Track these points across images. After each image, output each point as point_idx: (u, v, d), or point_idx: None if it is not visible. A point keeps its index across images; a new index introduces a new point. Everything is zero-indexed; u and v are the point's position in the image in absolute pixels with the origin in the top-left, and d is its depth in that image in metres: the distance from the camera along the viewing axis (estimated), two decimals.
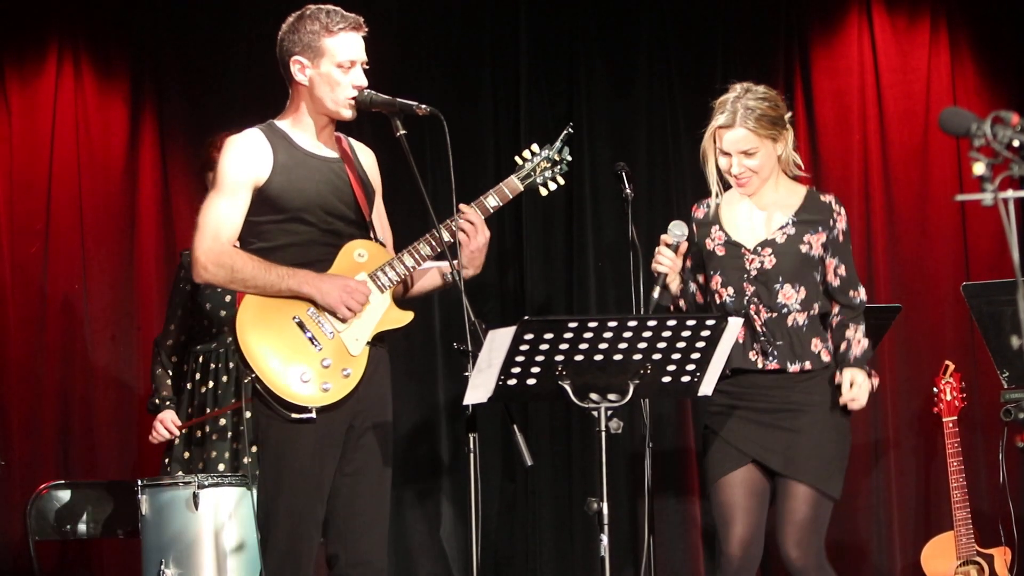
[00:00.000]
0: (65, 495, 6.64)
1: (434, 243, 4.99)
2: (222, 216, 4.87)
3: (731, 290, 5.39)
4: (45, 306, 7.66)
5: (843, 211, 5.47)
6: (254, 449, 5.90)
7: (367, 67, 5.03)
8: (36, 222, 7.70)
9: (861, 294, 5.50)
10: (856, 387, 5.35)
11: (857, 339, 5.40)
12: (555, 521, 7.74)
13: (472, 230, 5.01)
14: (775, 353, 5.34)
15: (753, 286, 5.37)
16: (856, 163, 7.81)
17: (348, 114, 5.00)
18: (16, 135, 7.73)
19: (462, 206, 5.04)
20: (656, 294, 5.32)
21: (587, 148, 7.83)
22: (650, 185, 7.76)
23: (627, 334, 4.70)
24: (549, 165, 5.23)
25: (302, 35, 4.94)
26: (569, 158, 5.29)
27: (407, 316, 5.09)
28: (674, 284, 5.46)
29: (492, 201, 5.11)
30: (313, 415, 4.81)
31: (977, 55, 7.88)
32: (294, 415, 4.80)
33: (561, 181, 5.29)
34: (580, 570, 7.64)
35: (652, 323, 4.72)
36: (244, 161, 4.89)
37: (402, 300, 5.12)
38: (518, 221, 7.81)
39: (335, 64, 4.94)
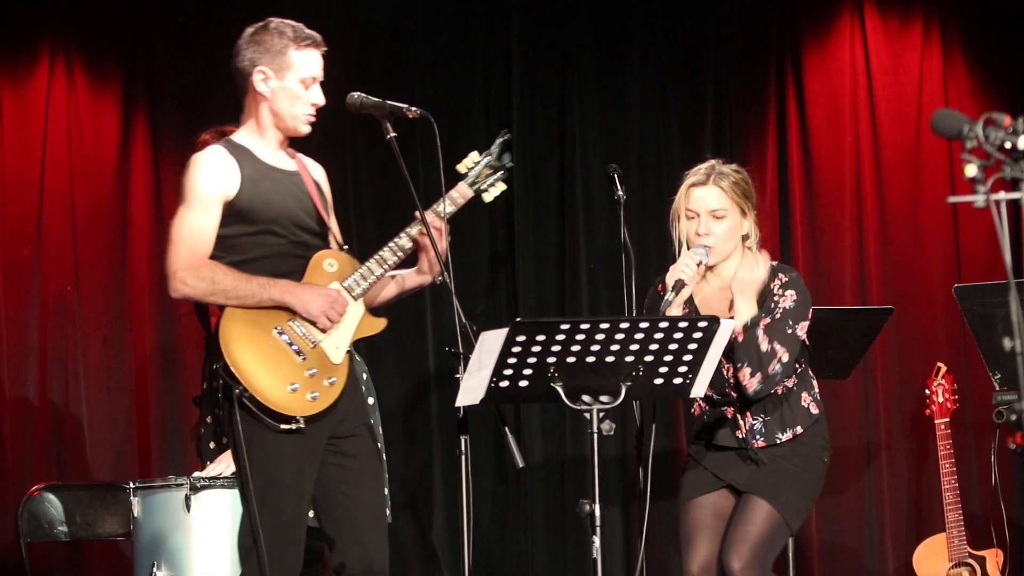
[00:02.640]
0: (57, 497, 6.62)
1: (397, 250, 4.98)
2: (196, 229, 4.84)
3: (714, 392, 5.34)
4: (37, 308, 7.65)
5: (789, 292, 5.35)
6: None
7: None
8: (28, 224, 7.68)
9: (782, 353, 5.28)
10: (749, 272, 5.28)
11: (767, 343, 5.27)
12: (547, 523, 7.74)
13: (433, 236, 4.99)
14: (763, 431, 5.36)
15: (736, 391, 5.36)
16: (848, 165, 7.82)
17: (305, 129, 5.00)
18: (8, 137, 7.72)
19: (418, 213, 5.01)
20: (670, 297, 5.27)
21: (579, 150, 7.83)
22: (642, 187, 7.77)
23: (619, 336, 4.70)
24: (490, 171, 5.21)
25: (268, 46, 4.93)
26: (509, 164, 5.26)
27: (381, 323, 5.09)
28: (687, 292, 5.38)
29: (446, 207, 5.08)
30: (302, 425, 4.80)
31: (969, 57, 7.90)
32: (283, 426, 4.78)
33: (503, 187, 5.24)
34: (572, 572, 7.64)
35: (644, 325, 4.73)
36: (213, 176, 4.87)
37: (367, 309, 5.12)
38: (510, 223, 7.82)
39: (299, 79, 4.93)
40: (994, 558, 6.92)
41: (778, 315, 5.31)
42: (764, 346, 5.24)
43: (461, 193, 5.13)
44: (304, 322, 4.86)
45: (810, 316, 5.37)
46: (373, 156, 7.71)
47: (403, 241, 4.99)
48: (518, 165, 7.79)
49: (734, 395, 5.36)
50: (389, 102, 5.05)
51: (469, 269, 7.64)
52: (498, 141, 5.24)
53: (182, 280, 4.81)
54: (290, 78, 4.93)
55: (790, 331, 5.30)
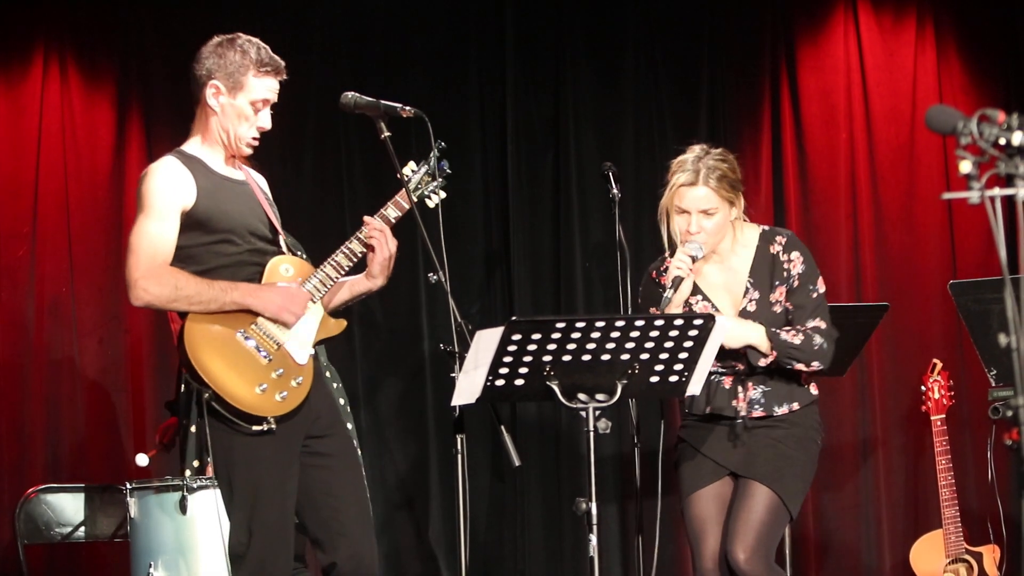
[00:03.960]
0: (54, 499, 6.63)
1: (350, 254, 4.97)
2: (156, 238, 4.81)
3: (719, 363, 5.37)
4: (32, 309, 7.65)
5: (794, 254, 5.41)
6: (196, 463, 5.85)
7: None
8: (23, 225, 7.68)
9: (821, 324, 5.36)
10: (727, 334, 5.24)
11: (794, 334, 5.32)
12: (544, 521, 7.74)
13: (381, 239, 4.98)
14: (762, 402, 5.37)
15: (742, 361, 5.37)
16: (843, 162, 7.82)
17: (246, 151, 4.99)
18: (2, 138, 7.72)
19: (366, 218, 5.00)
20: (669, 294, 5.27)
21: (573, 148, 7.84)
22: (637, 185, 7.76)
23: (615, 334, 4.70)
24: (429, 179, 5.20)
25: (227, 62, 4.92)
26: (448, 171, 5.24)
27: (342, 324, 5.09)
28: (687, 287, 5.38)
29: (392, 212, 5.06)
30: (273, 426, 4.78)
31: (963, 53, 7.89)
32: (254, 427, 4.77)
33: (443, 195, 5.22)
34: (569, 570, 7.64)
35: (640, 323, 4.72)
36: (169, 186, 4.84)
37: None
38: (505, 222, 7.82)
39: (249, 100, 4.92)
40: (991, 554, 6.92)
41: (796, 283, 5.37)
42: (796, 339, 5.27)
43: (403, 199, 5.07)
44: (267, 324, 4.84)
45: (818, 270, 5.43)
46: (367, 155, 7.71)
47: (355, 245, 4.98)
48: (514, 161, 7.81)
49: (741, 367, 5.36)
50: (383, 101, 5.04)
51: (464, 267, 7.64)
52: (434, 151, 5.21)
53: (144, 288, 4.78)
54: (241, 99, 4.92)
55: (814, 294, 5.36)
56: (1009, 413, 6.08)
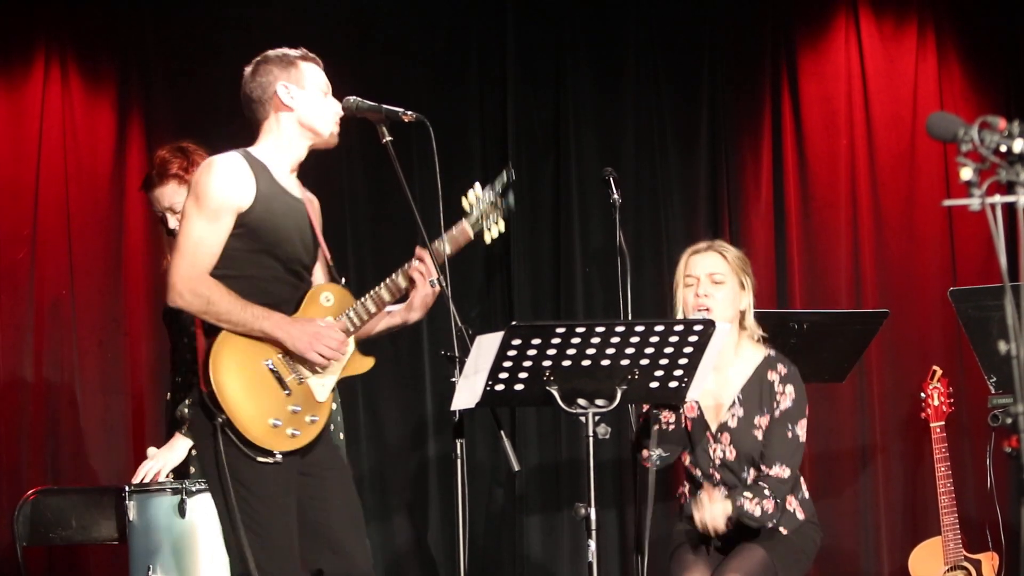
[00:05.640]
0: (53, 501, 6.61)
1: (393, 288, 4.95)
2: (203, 241, 4.76)
3: (699, 472, 5.49)
4: (32, 312, 7.65)
5: (788, 388, 5.47)
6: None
7: None
8: (23, 227, 7.68)
9: (783, 472, 5.42)
10: (710, 509, 5.33)
11: (758, 501, 5.36)
12: (543, 526, 7.74)
13: (424, 277, 4.97)
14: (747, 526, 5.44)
15: (720, 473, 5.47)
16: (843, 168, 7.82)
17: (336, 132, 4.97)
18: (3, 141, 7.72)
19: (419, 250, 4.97)
20: (656, 456, 5.41)
21: (574, 153, 7.84)
22: (637, 190, 7.77)
23: (615, 339, 4.70)
24: (492, 209, 5.17)
25: (280, 65, 4.91)
26: (512, 207, 5.19)
27: (369, 362, 5.05)
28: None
29: (447, 248, 5.03)
30: (280, 460, 4.75)
31: (964, 60, 7.90)
32: (259, 459, 4.72)
33: (502, 227, 5.17)
34: (568, 575, 7.63)
35: (639, 328, 4.73)
36: (229, 183, 4.77)
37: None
38: (505, 225, 7.80)
39: (316, 87, 4.94)
40: (990, 561, 6.92)
41: (777, 415, 5.43)
42: (758, 511, 5.34)
43: (463, 232, 5.06)
44: (295, 358, 4.81)
45: (807, 413, 5.48)
46: (368, 160, 7.71)
47: (399, 280, 4.95)
48: (514, 165, 7.80)
49: (719, 476, 5.45)
50: (385, 106, 5.04)
51: (464, 272, 7.64)
52: (501, 179, 5.16)
53: (179, 293, 4.73)
54: (310, 86, 4.92)
55: (790, 435, 5.43)
56: (1008, 420, 6.07)
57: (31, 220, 7.68)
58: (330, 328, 4.83)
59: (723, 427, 5.44)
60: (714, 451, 5.43)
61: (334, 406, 6.26)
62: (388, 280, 4.95)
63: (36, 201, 7.68)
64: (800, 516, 5.48)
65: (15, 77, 7.77)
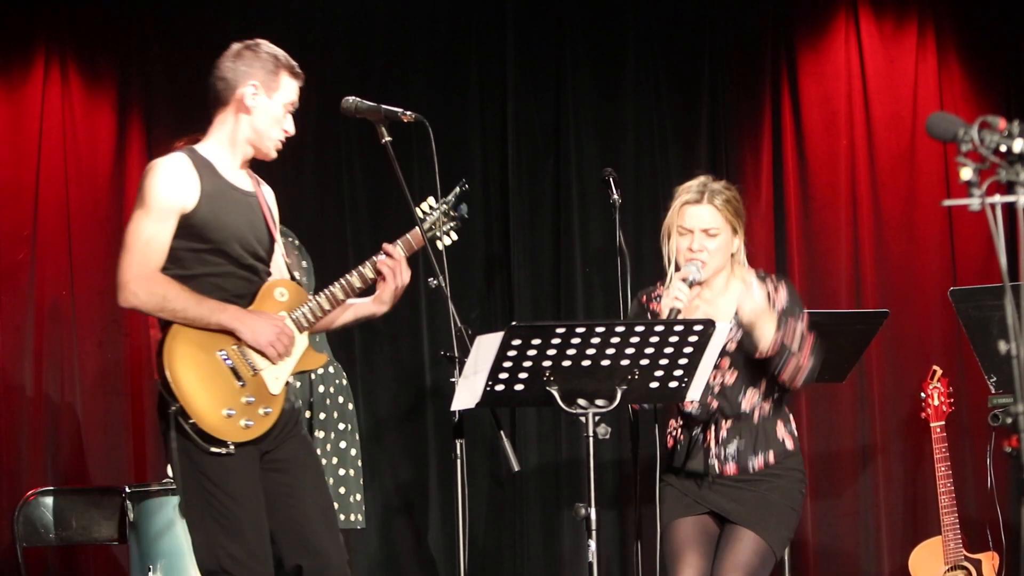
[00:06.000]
0: (53, 501, 6.63)
1: (350, 290, 4.96)
2: (151, 239, 4.77)
3: (696, 405, 5.43)
4: (32, 312, 7.65)
5: (782, 290, 5.46)
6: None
7: None
8: (23, 228, 7.68)
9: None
10: (751, 294, 5.35)
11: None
12: (543, 527, 7.74)
13: (396, 269, 4.99)
14: (735, 456, 5.42)
15: (717, 400, 5.44)
16: (843, 168, 7.82)
17: (273, 154, 4.97)
18: (3, 141, 7.72)
19: (386, 245, 4.99)
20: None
21: (574, 154, 7.84)
22: (637, 191, 7.77)
23: (614, 339, 4.70)
24: (446, 220, 5.19)
25: (262, 63, 4.89)
26: (466, 215, 5.24)
27: (322, 358, 5.11)
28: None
29: (400, 251, 5.04)
30: (232, 451, 4.74)
31: (964, 60, 7.89)
32: (212, 449, 4.72)
33: (455, 236, 5.22)
34: (568, 575, 7.63)
35: (639, 328, 4.72)
36: (172, 186, 4.79)
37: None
38: (505, 226, 7.82)
39: (282, 102, 4.91)
40: (990, 561, 6.92)
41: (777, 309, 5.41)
42: (799, 328, 5.34)
43: (415, 238, 5.08)
44: (249, 349, 4.80)
45: (804, 319, 5.42)
46: (367, 160, 7.71)
47: (355, 281, 4.97)
48: (514, 166, 7.80)
49: (716, 405, 5.41)
50: (384, 106, 5.05)
51: (464, 272, 7.64)
52: (455, 191, 5.21)
53: (133, 292, 4.75)
54: (276, 99, 4.90)
55: (792, 320, 5.39)
56: (1009, 420, 6.08)
57: (31, 221, 7.68)
58: (287, 326, 4.86)
59: (723, 354, 5.36)
60: (714, 378, 5.39)
61: (341, 399, 6.26)
62: (344, 279, 4.97)
63: (36, 201, 7.68)
64: (789, 446, 5.46)
65: (15, 77, 7.77)
